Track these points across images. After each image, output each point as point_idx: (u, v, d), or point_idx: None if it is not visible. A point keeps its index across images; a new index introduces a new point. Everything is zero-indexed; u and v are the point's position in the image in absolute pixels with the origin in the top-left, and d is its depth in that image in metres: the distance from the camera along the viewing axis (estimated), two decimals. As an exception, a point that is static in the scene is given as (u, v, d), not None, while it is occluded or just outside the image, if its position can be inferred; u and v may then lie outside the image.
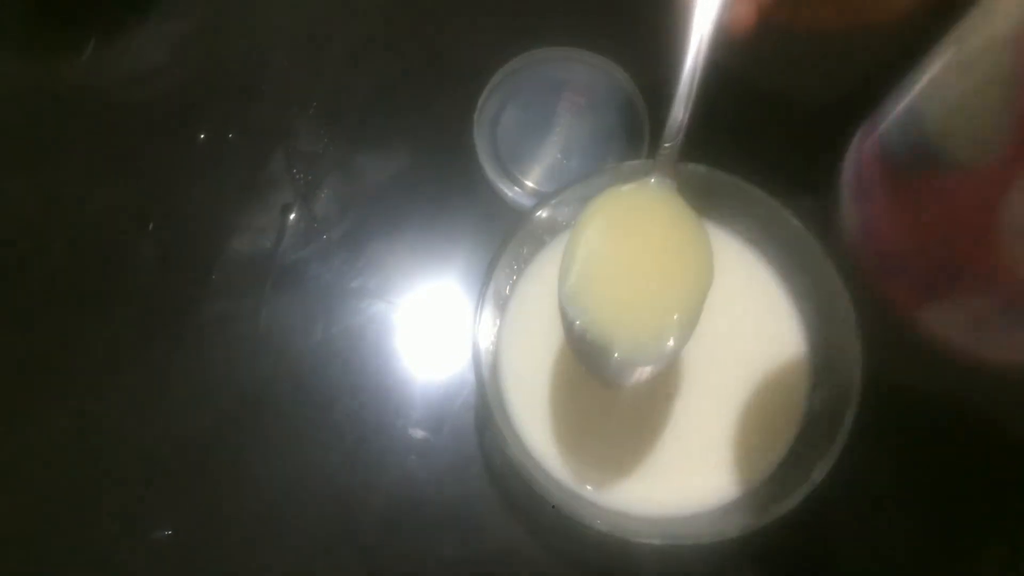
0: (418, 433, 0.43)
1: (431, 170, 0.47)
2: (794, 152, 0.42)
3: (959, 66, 0.24)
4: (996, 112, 0.21)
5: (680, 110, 0.33)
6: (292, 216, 0.46)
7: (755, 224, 0.40)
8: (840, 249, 0.35)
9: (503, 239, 0.39)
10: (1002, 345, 0.26)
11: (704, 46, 0.32)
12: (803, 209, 0.38)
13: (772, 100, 0.43)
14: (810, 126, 0.43)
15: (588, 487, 0.37)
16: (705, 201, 0.38)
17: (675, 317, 0.31)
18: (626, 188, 0.34)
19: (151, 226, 0.46)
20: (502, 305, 0.40)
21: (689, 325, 0.32)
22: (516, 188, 0.45)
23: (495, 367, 0.39)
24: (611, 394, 0.38)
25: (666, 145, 0.34)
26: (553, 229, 0.41)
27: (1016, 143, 0.21)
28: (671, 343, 0.31)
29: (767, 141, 0.43)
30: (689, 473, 0.37)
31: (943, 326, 0.27)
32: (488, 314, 0.39)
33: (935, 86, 0.25)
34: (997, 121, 0.21)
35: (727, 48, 0.32)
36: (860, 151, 0.34)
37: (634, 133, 0.46)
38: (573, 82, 0.47)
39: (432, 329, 0.45)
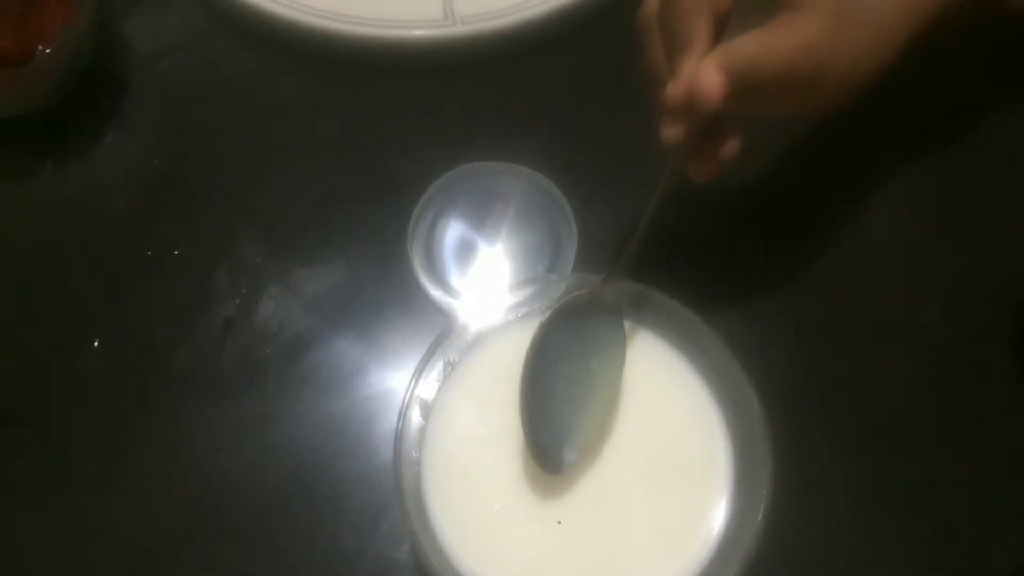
0: (349, 542, 0.43)
1: (367, 281, 0.49)
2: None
3: None
4: None
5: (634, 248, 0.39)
6: (233, 330, 0.48)
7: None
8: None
9: (428, 348, 0.41)
10: None
11: (665, 197, 0.38)
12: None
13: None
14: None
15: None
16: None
17: None
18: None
19: (96, 342, 0.48)
20: (427, 413, 0.41)
21: None
22: (449, 297, 0.47)
23: (419, 476, 0.39)
24: (536, 502, 0.39)
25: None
26: (479, 338, 0.42)
27: None
28: None
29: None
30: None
31: None
32: (412, 423, 0.40)
33: None
34: None
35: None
36: None
37: (562, 242, 0.48)
38: (503, 193, 0.49)
39: (367, 438, 0.45)
